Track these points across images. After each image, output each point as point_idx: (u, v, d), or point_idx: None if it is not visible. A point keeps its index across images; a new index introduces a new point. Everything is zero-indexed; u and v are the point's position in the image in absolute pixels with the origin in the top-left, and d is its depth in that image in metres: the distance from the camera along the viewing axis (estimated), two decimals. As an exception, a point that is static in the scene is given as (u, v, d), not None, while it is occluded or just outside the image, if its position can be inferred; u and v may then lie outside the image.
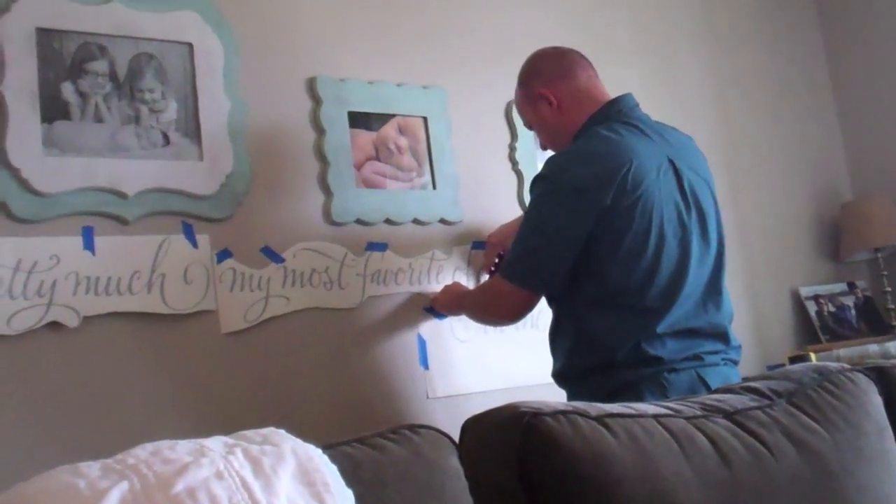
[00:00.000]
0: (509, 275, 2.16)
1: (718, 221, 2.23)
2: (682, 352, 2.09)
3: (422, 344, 2.57)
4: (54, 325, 2.04)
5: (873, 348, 3.19)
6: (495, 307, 2.30)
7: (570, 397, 2.18)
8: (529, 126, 2.42)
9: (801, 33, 4.03)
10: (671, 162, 2.14)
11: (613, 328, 2.10)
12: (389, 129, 2.65)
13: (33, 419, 2.00)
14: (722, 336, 2.18)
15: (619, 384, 2.06)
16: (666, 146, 2.17)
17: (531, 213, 2.17)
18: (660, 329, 2.07)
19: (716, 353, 2.15)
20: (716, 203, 2.25)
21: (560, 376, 2.24)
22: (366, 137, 2.60)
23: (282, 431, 1.18)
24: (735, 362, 2.22)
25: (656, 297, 2.08)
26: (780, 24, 3.94)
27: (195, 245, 2.25)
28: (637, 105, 2.26)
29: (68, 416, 2.04)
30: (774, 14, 3.93)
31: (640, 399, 1.88)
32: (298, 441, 1.15)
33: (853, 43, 4.00)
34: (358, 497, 1.11)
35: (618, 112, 2.20)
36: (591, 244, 2.06)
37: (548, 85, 2.28)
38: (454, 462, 1.31)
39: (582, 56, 2.33)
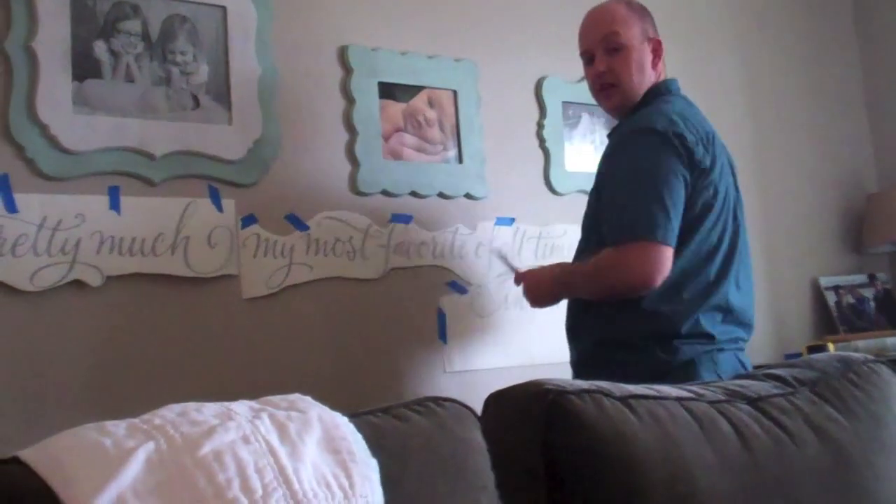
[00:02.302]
0: (644, 234, 1.96)
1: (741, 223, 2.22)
2: (726, 333, 2.09)
3: (441, 318, 2.57)
4: (77, 284, 2.05)
5: (892, 341, 3.17)
6: (648, 272, 1.97)
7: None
8: (615, 48, 2.18)
9: (833, 23, 3.98)
10: (721, 141, 2.18)
11: (684, 305, 2.05)
12: (419, 102, 2.64)
13: (54, 376, 2.01)
14: (751, 326, 2.19)
15: (678, 362, 2.01)
16: (712, 127, 2.20)
17: (631, 165, 2.04)
18: (714, 306, 2.07)
19: (745, 340, 2.18)
20: (741, 205, 2.24)
21: (588, 359, 2.14)
22: (395, 108, 2.59)
23: (308, 398, 1.18)
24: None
25: (714, 273, 2.08)
26: (812, 13, 3.89)
27: (220, 209, 2.26)
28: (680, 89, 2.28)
29: (89, 374, 2.05)
30: (809, 6, 3.88)
31: (697, 379, 1.87)
32: (325, 408, 1.15)
33: (885, 34, 3.95)
34: (382, 466, 1.11)
35: (678, 91, 2.23)
36: (686, 206, 2.03)
37: (656, 34, 2.25)
38: (477, 436, 1.31)
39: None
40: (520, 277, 2.33)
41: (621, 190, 2.04)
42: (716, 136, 2.13)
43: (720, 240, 2.09)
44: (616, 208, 2.05)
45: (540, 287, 2.26)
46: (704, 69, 3.40)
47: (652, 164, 2.00)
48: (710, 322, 2.06)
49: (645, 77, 2.18)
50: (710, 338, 2.06)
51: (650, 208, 1.96)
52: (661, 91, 2.18)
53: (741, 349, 2.16)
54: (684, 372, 1.94)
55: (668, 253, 1.97)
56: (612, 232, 2.03)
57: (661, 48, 2.22)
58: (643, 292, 2.00)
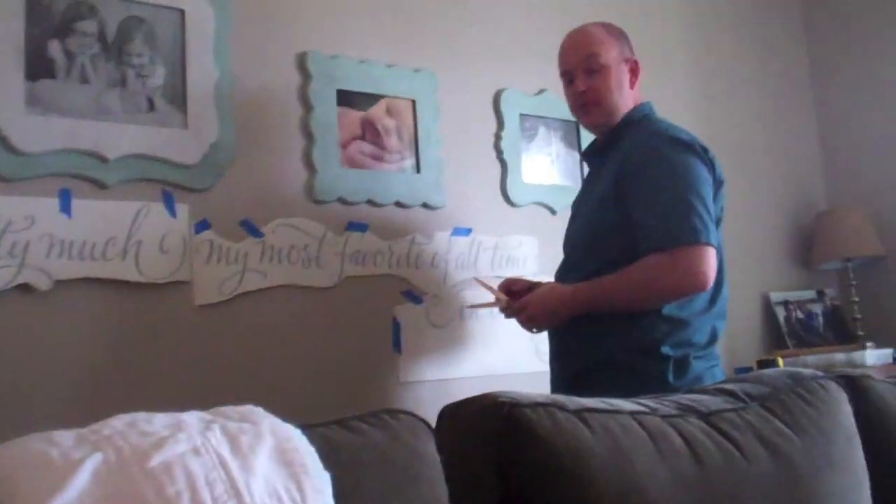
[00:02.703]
0: (682, 237, 2.00)
1: None
2: (717, 349, 2.20)
3: (396, 327, 2.56)
4: (25, 287, 2.01)
5: (840, 357, 3.22)
6: (703, 275, 2.01)
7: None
8: (595, 69, 2.24)
9: (785, 44, 4.05)
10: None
11: (700, 315, 2.14)
12: (377, 110, 2.63)
13: None
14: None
15: (693, 375, 2.08)
16: None
17: (666, 174, 2.07)
18: (718, 313, 2.17)
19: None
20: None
21: (590, 371, 2.12)
22: (353, 116, 2.58)
23: (260, 409, 1.16)
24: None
25: (723, 288, 2.19)
26: (765, 33, 3.95)
27: (174, 214, 2.23)
28: None
29: (36, 380, 2.01)
30: (761, 23, 3.94)
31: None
32: (277, 420, 1.13)
33: (836, 56, 4.03)
34: (335, 479, 1.10)
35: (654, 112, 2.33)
36: None
37: (633, 55, 2.34)
38: (431, 449, 1.30)
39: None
40: (521, 307, 2.22)
41: (662, 197, 2.06)
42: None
43: (721, 251, 2.15)
44: (659, 216, 2.05)
45: (555, 310, 2.18)
46: (658, 86, 3.42)
47: (688, 171, 2.07)
48: (717, 332, 2.18)
49: (623, 96, 2.25)
50: (713, 352, 2.17)
51: (695, 213, 2.01)
52: (647, 111, 2.27)
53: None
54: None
55: (715, 255, 2.04)
56: (659, 239, 2.03)
57: (638, 68, 2.30)
58: (695, 294, 2.07)
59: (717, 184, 2.16)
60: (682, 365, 2.09)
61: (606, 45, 2.27)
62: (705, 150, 2.14)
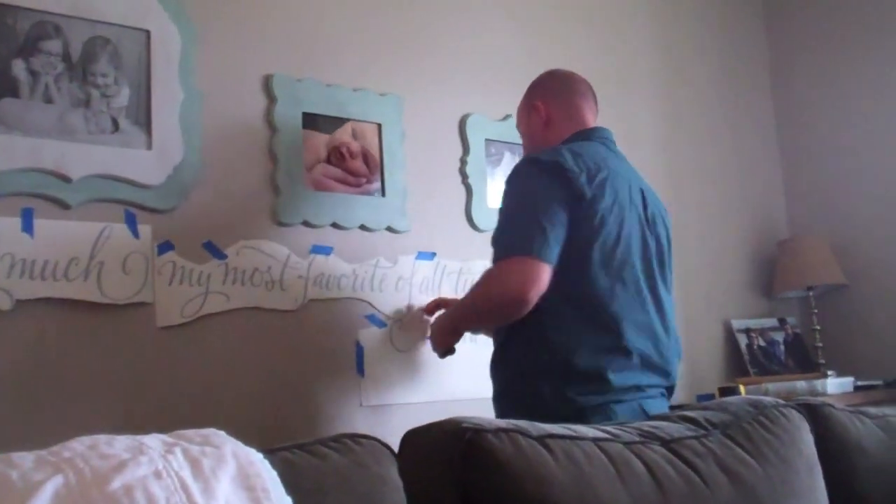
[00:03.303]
0: (519, 250, 2.01)
1: (671, 262, 2.30)
2: (629, 379, 2.08)
3: (359, 351, 2.55)
4: (-15, 307, 1.99)
5: (801, 385, 3.25)
6: (519, 286, 2.00)
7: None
8: (520, 131, 2.45)
9: (749, 73, 4.11)
10: (640, 189, 2.23)
11: (576, 337, 2.07)
12: (343, 133, 2.63)
13: (-43, 402, 1.94)
14: (666, 372, 2.19)
15: (572, 410, 1.98)
16: (636, 176, 2.28)
17: (514, 192, 2.12)
18: (614, 349, 2.07)
19: (657, 386, 2.17)
20: (665, 256, 2.28)
21: (500, 395, 2.18)
22: (319, 139, 2.58)
23: (222, 433, 1.16)
24: (669, 394, 2.26)
25: (617, 314, 2.08)
26: (729, 62, 4.01)
27: (136, 235, 2.21)
28: (609, 138, 2.33)
29: (-5, 401, 1.98)
30: (724, 52, 4.00)
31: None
32: (239, 444, 1.13)
33: (799, 85, 4.10)
34: (296, 504, 1.09)
35: (598, 137, 2.29)
36: (568, 234, 2.05)
37: (544, 99, 2.37)
38: (394, 474, 1.30)
39: (590, 88, 2.44)
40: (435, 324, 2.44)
41: (505, 215, 2.14)
42: (616, 177, 2.15)
43: (620, 277, 2.10)
44: (499, 232, 2.13)
45: (440, 332, 2.41)
46: (621, 115, 3.46)
47: (531, 189, 2.08)
48: (612, 367, 2.06)
49: (545, 139, 2.32)
50: (607, 384, 2.04)
51: (526, 227, 2.03)
52: (572, 139, 2.27)
53: (651, 396, 2.14)
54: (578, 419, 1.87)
55: (543, 267, 2.00)
56: (494, 253, 2.11)
57: (540, 108, 2.36)
58: (520, 306, 2.02)
59: (578, 199, 2.05)
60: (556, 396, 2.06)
61: (519, 114, 2.45)
62: (560, 166, 2.06)
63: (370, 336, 2.58)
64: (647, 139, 3.54)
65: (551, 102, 2.36)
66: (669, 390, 2.25)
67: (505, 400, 2.16)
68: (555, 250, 2.02)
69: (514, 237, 2.05)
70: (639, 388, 2.11)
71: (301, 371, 2.43)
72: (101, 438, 1.05)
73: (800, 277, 3.71)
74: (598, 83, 3.35)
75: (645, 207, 2.22)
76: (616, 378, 2.06)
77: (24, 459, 0.97)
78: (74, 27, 2.19)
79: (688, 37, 3.85)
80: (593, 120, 2.38)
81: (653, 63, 3.66)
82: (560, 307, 2.06)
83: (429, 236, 2.75)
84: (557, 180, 2.06)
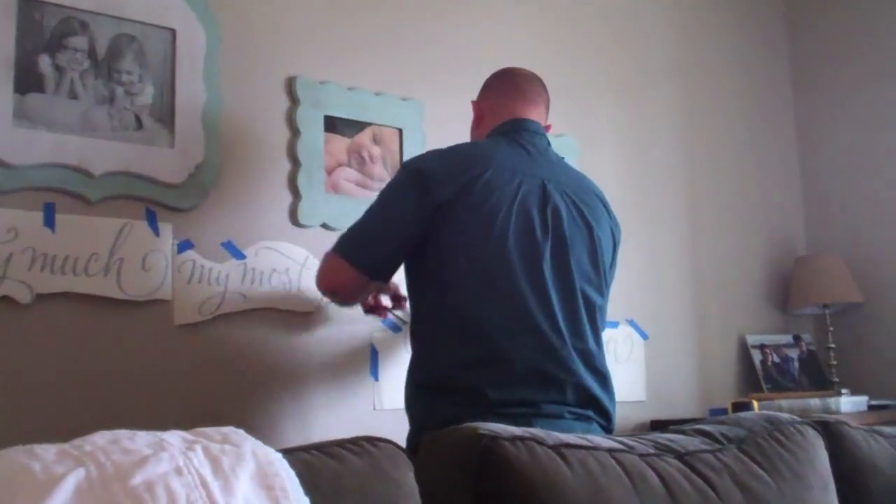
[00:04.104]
0: (339, 248, 2.10)
1: (597, 270, 2.12)
2: (515, 393, 1.95)
3: (374, 354, 2.55)
4: (5, 300, 2.00)
5: (815, 402, 3.23)
6: (326, 279, 2.16)
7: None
8: None
9: (771, 90, 4.10)
10: (543, 184, 2.08)
11: (444, 348, 2.00)
12: (364, 137, 2.64)
13: (-25, 394, 1.96)
14: (579, 390, 2.01)
15: (442, 418, 1.80)
16: (547, 170, 2.12)
17: (379, 194, 2.14)
18: (492, 357, 1.96)
19: (560, 403, 1.99)
20: (598, 256, 2.12)
21: (406, 406, 2.13)
22: (340, 143, 2.59)
23: (241, 431, 1.16)
24: (591, 419, 2.04)
25: (492, 319, 1.97)
26: (751, 77, 4.00)
27: (157, 233, 2.22)
28: (540, 134, 2.22)
29: (16, 393, 2.00)
30: (747, 71, 3.99)
31: None
32: (258, 443, 1.13)
33: (820, 101, 4.09)
34: (313, 505, 1.10)
35: (514, 130, 2.18)
36: (429, 241, 2.01)
37: (480, 98, 2.35)
38: (410, 478, 1.30)
39: (533, 84, 2.32)
40: None
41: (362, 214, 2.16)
42: (500, 174, 2.03)
43: (491, 284, 1.98)
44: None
45: None
46: (639, 125, 3.47)
47: (388, 195, 2.10)
48: (488, 377, 1.95)
49: (475, 137, 2.33)
50: (482, 396, 1.93)
51: (358, 229, 2.10)
52: (489, 135, 2.23)
53: (551, 415, 1.96)
54: None
55: (348, 270, 2.07)
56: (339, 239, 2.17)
57: (474, 107, 2.35)
58: (331, 297, 2.23)
59: (440, 206, 1.99)
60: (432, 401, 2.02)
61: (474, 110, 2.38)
62: (418, 171, 2.05)
63: (385, 340, 2.58)
64: (663, 155, 3.54)
65: (484, 100, 2.33)
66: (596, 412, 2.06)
67: (409, 411, 2.11)
68: (380, 264, 2.09)
69: (345, 234, 2.12)
70: (530, 403, 1.95)
71: (317, 373, 2.44)
72: (123, 433, 1.05)
73: (816, 294, 3.69)
74: (615, 95, 3.38)
75: (543, 201, 2.06)
76: (497, 391, 1.94)
77: (47, 452, 0.98)
78: (101, 24, 2.21)
79: (706, 47, 3.84)
80: (527, 113, 2.24)
81: (669, 74, 3.65)
82: (433, 320, 2.05)
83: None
84: (416, 188, 2.02)
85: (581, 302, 2.06)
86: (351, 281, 2.09)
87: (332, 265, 2.11)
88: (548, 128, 2.29)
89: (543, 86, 2.34)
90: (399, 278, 2.19)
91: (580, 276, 2.07)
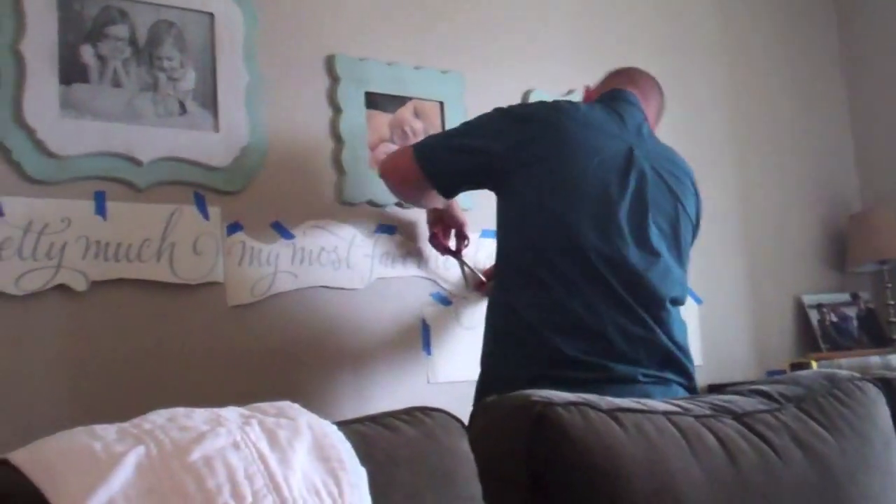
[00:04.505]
0: (416, 143, 2.21)
1: (677, 240, 2.11)
2: (582, 350, 1.92)
3: (425, 329, 2.56)
4: (62, 288, 2.03)
5: (875, 360, 3.18)
6: (387, 163, 2.29)
7: None
8: None
9: (819, 43, 4.01)
10: (630, 149, 2.08)
11: (533, 303, 1.97)
12: (405, 112, 2.64)
13: (39, 381, 1.99)
14: (654, 350, 1.97)
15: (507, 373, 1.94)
16: (636, 138, 2.12)
17: (473, 119, 2.21)
18: (555, 307, 1.94)
19: (633, 363, 1.95)
20: (680, 225, 2.13)
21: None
22: (381, 119, 2.58)
23: (296, 406, 1.17)
24: (669, 382, 1.99)
25: (574, 270, 1.94)
26: (798, 33, 3.92)
27: (206, 216, 2.24)
28: (639, 108, 2.22)
29: (76, 379, 2.04)
30: (794, 23, 3.91)
31: None
32: (314, 416, 1.14)
33: (870, 56, 3.99)
34: (369, 475, 1.11)
35: (611, 98, 2.22)
36: (504, 182, 2.08)
37: (596, 83, 2.39)
38: (465, 446, 1.30)
39: (648, 79, 2.36)
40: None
41: None
42: (589, 129, 2.07)
43: (569, 232, 1.97)
44: None
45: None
46: (690, 84, 3.42)
47: (477, 118, 2.19)
48: (570, 343, 1.92)
49: None
50: (567, 361, 1.90)
51: (437, 135, 2.31)
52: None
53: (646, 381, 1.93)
54: None
55: (410, 163, 2.15)
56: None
57: (585, 92, 2.39)
58: (382, 179, 2.33)
59: (522, 140, 2.05)
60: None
61: None
62: (517, 111, 2.16)
63: (436, 314, 2.59)
64: (711, 110, 3.49)
65: (596, 85, 2.38)
66: (679, 372, 2.02)
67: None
68: (446, 179, 2.16)
69: (430, 144, 2.21)
70: (596, 368, 1.92)
71: (369, 349, 2.45)
72: (180, 411, 1.07)
73: (873, 251, 3.62)
74: (660, 55, 3.34)
75: (628, 163, 2.05)
76: (575, 350, 1.93)
77: (107, 431, 1.00)
78: (140, 12, 2.22)
79: (752, 4, 3.77)
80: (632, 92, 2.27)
81: (715, 30, 3.59)
82: (519, 275, 2.05)
83: (493, 213, 2.74)
84: (509, 123, 2.10)
85: (670, 277, 2.05)
86: (410, 175, 2.18)
87: (400, 153, 2.24)
88: (652, 125, 2.28)
89: (660, 90, 2.37)
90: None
91: (659, 239, 2.05)
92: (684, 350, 2.04)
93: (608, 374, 1.90)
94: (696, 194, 2.24)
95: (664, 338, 1.99)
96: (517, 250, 2.07)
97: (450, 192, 2.24)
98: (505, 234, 2.13)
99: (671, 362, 2.00)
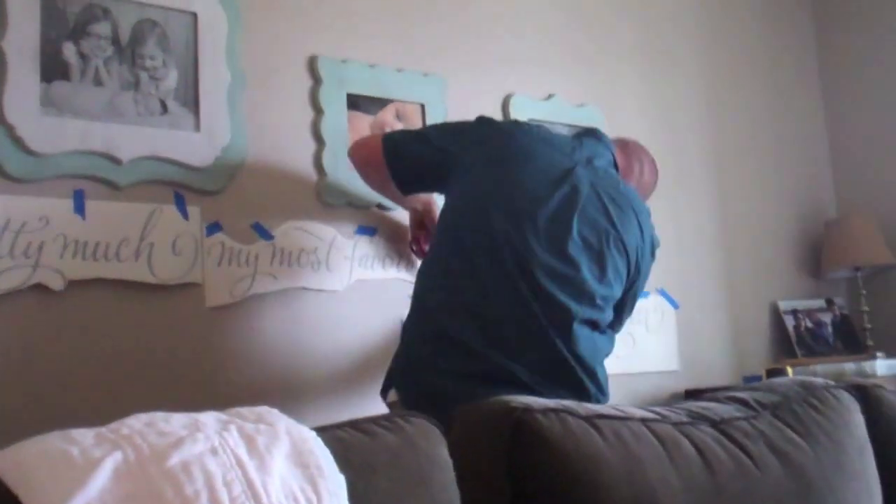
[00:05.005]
0: (388, 132, 2.28)
1: (602, 259, 2.00)
2: (475, 341, 1.90)
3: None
4: (39, 287, 2.01)
5: (849, 366, 3.21)
6: (358, 148, 2.33)
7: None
8: None
9: (797, 52, 4.05)
10: (573, 167, 2.04)
11: (437, 286, 2.01)
12: (387, 114, 2.64)
13: (15, 380, 1.98)
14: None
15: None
16: (583, 163, 2.07)
17: (447, 123, 2.34)
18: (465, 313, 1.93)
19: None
20: (608, 247, 2.01)
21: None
22: (363, 120, 2.58)
23: (275, 411, 1.17)
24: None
25: (483, 259, 1.94)
26: (776, 42, 3.95)
27: (186, 216, 2.23)
28: (603, 143, 2.20)
29: (51, 379, 2.02)
30: (772, 32, 3.94)
31: None
32: (292, 421, 1.14)
33: (847, 65, 4.02)
34: (348, 482, 1.11)
35: (583, 131, 2.30)
36: (453, 176, 2.09)
37: None
38: (443, 452, 1.31)
39: (640, 149, 2.36)
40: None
41: None
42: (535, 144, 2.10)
43: (484, 236, 1.95)
44: None
45: None
46: (664, 89, 3.44)
47: (450, 122, 2.33)
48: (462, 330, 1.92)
49: None
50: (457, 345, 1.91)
51: (410, 131, 2.37)
52: None
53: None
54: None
55: (378, 145, 2.20)
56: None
57: None
58: (350, 161, 2.38)
59: (481, 138, 2.11)
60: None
61: None
62: (489, 124, 2.19)
63: (415, 316, 2.58)
64: (689, 118, 3.51)
65: None
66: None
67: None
68: (398, 148, 2.18)
69: (400, 135, 2.29)
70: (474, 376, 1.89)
71: (349, 351, 2.45)
72: (158, 416, 1.06)
73: (847, 258, 3.66)
74: (639, 61, 3.35)
75: (562, 179, 2.01)
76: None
77: (84, 436, 0.99)
78: (123, 10, 2.21)
79: (730, 9, 3.80)
80: (614, 143, 2.26)
81: (695, 38, 3.61)
82: (440, 266, 2.08)
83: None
84: (486, 125, 2.17)
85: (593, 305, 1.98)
86: (373, 157, 2.21)
87: (373, 136, 2.33)
88: (643, 194, 2.26)
89: (653, 168, 2.36)
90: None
91: (580, 250, 1.98)
92: (585, 363, 1.95)
93: (487, 365, 1.87)
94: (642, 231, 2.11)
95: (560, 343, 1.91)
96: (440, 241, 2.09)
97: (403, 181, 2.21)
98: (437, 228, 2.15)
99: (563, 373, 1.92)
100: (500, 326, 1.89)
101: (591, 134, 2.25)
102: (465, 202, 2.03)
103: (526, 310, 1.90)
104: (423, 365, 1.96)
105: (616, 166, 2.21)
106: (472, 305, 1.92)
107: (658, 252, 2.22)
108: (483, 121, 2.20)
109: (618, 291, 2.04)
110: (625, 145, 2.33)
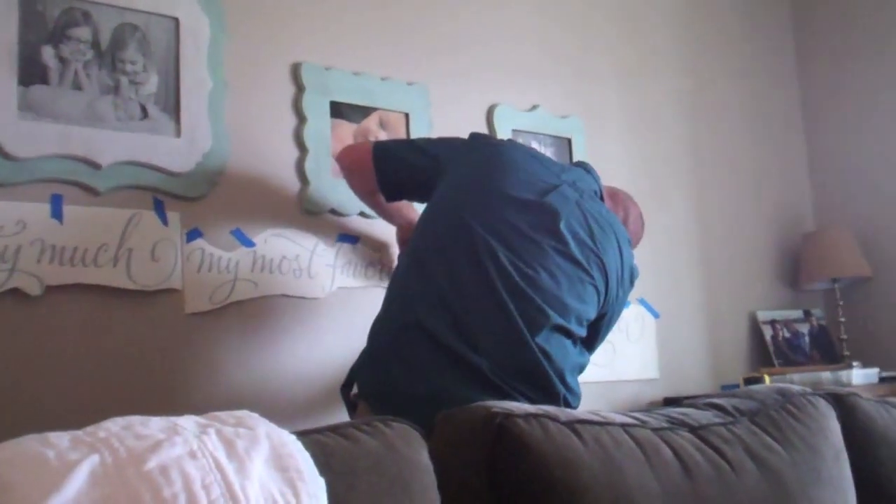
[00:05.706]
0: (376, 143, 2.23)
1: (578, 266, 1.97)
2: (445, 334, 1.86)
3: (385, 339, 2.55)
4: (15, 293, 2.00)
5: (826, 376, 3.23)
6: (347, 153, 2.29)
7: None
8: None
9: (775, 64, 4.08)
10: (557, 183, 2.03)
11: (413, 282, 1.96)
12: (370, 123, 2.64)
13: (-10, 386, 1.96)
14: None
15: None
16: (568, 183, 2.05)
17: (437, 138, 2.29)
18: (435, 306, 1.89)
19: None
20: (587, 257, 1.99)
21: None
22: (346, 128, 2.58)
23: (255, 415, 1.17)
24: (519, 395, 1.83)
25: (461, 259, 1.91)
26: (755, 53, 3.98)
27: (165, 222, 2.22)
28: (591, 174, 2.19)
29: (28, 384, 2.00)
30: (750, 43, 3.97)
31: None
32: (272, 426, 1.14)
33: (826, 77, 4.06)
34: (328, 486, 1.10)
35: (575, 163, 2.36)
36: (438, 182, 2.08)
37: None
38: (424, 457, 1.30)
39: (628, 199, 2.34)
40: None
41: None
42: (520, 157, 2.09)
43: (463, 233, 1.92)
44: None
45: None
46: (645, 106, 3.46)
47: (440, 138, 2.27)
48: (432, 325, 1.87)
49: None
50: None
51: (402, 140, 2.43)
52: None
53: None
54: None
55: (368, 150, 2.19)
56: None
57: None
58: (339, 166, 2.35)
59: (470, 149, 2.12)
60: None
61: None
62: (480, 138, 2.21)
63: (396, 324, 2.58)
64: (670, 130, 3.53)
65: None
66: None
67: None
68: (388, 153, 2.18)
69: (390, 143, 2.28)
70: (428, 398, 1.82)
71: (330, 359, 2.44)
72: (136, 419, 1.05)
73: (825, 269, 3.69)
74: (623, 74, 3.37)
75: (544, 193, 2.00)
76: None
77: (61, 439, 0.98)
78: (103, 14, 2.20)
79: (712, 24, 3.83)
80: (604, 190, 2.23)
81: (676, 52, 3.64)
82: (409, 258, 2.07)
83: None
84: (476, 142, 2.16)
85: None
86: (363, 163, 2.18)
87: (362, 146, 2.26)
88: (632, 236, 2.23)
89: (639, 219, 2.35)
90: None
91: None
92: (554, 363, 1.88)
93: (454, 357, 1.83)
94: (622, 257, 2.07)
95: (531, 341, 1.86)
96: (417, 240, 2.03)
97: (389, 188, 2.18)
98: (416, 226, 2.11)
99: (531, 370, 1.85)
100: (468, 320, 1.85)
101: (581, 165, 2.25)
102: (447, 200, 2.03)
103: (501, 308, 1.85)
104: (384, 354, 1.94)
105: (601, 201, 2.18)
106: (446, 297, 1.88)
107: (637, 282, 2.20)
108: (476, 135, 2.21)
109: (591, 311, 1.99)
110: (615, 193, 2.31)
